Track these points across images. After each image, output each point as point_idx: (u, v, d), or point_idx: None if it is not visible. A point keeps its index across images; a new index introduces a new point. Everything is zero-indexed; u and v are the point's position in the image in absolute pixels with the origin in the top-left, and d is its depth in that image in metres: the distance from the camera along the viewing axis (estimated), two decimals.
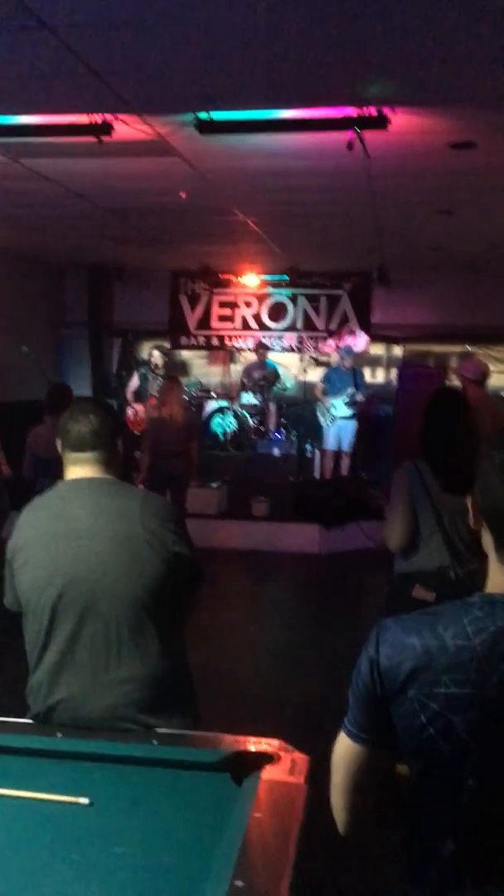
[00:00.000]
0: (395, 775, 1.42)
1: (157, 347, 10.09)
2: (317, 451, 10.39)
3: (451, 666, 1.27)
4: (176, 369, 11.30)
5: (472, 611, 1.31)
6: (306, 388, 10.52)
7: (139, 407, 9.59)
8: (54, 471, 5.49)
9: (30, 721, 2.23)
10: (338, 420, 9.74)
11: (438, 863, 1.32)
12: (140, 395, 9.68)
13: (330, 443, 9.89)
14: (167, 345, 11.36)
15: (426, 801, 1.34)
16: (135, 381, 9.90)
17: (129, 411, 9.72)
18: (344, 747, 1.41)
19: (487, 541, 1.37)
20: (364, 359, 11.65)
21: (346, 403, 9.65)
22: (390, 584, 3.51)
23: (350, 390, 9.62)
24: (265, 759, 1.88)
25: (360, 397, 9.64)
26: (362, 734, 1.37)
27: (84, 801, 1.77)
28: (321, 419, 9.93)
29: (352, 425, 9.79)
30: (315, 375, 10.41)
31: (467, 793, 1.28)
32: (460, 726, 1.27)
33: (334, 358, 10.86)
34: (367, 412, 10.41)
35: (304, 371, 10.57)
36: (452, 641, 1.28)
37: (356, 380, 9.72)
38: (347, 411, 9.69)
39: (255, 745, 1.95)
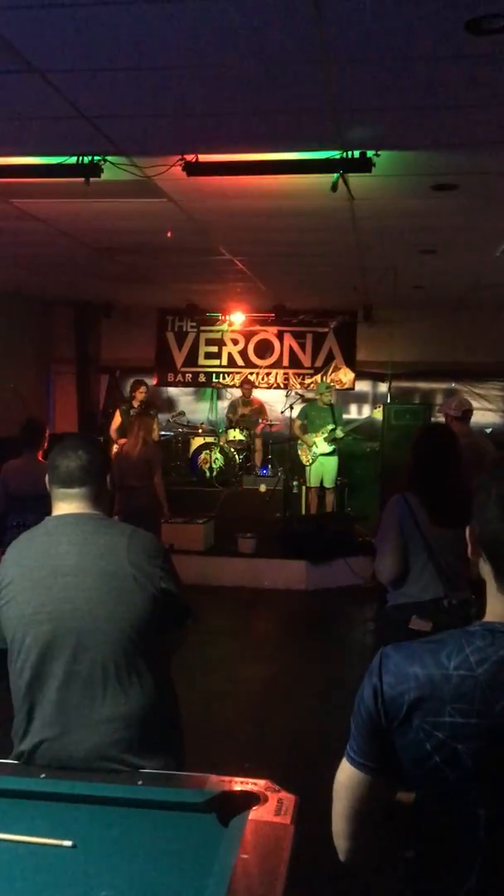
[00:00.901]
0: (398, 803, 1.42)
1: (138, 383, 10.10)
2: (303, 488, 10.40)
3: (455, 696, 1.28)
4: (162, 406, 11.34)
5: (474, 640, 1.32)
6: (292, 424, 10.58)
7: (122, 443, 9.58)
8: (26, 507, 5.48)
9: (13, 761, 2.20)
10: (319, 457, 9.76)
11: None
12: (123, 432, 9.68)
13: (312, 479, 9.90)
14: (150, 381, 11.40)
15: (439, 836, 1.34)
16: (118, 419, 9.91)
17: (115, 448, 9.72)
18: (346, 775, 1.40)
19: (486, 571, 1.39)
20: (350, 395, 11.75)
21: (325, 440, 9.68)
22: (384, 614, 3.54)
23: (329, 426, 9.66)
24: (252, 799, 1.86)
25: (339, 433, 9.68)
26: (366, 761, 1.37)
27: (67, 843, 1.73)
28: (301, 457, 9.96)
29: (334, 462, 9.81)
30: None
31: (482, 826, 1.28)
32: (466, 754, 1.27)
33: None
34: (351, 448, 10.46)
35: (290, 407, 10.62)
36: (455, 671, 1.30)
37: (334, 415, 9.76)
38: (328, 447, 9.71)
39: (241, 785, 1.93)
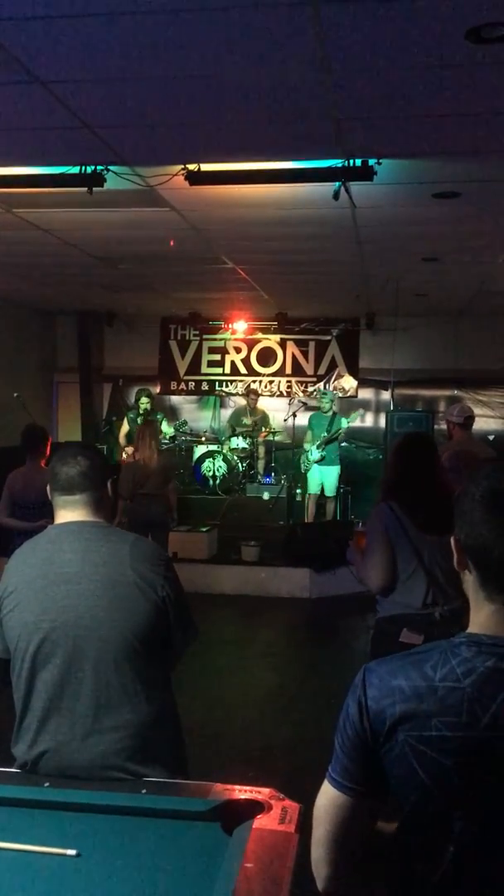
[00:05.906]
0: (379, 831, 1.38)
1: (142, 391, 10.15)
2: (306, 495, 10.41)
3: (441, 708, 1.26)
4: (165, 413, 11.37)
5: (460, 651, 1.29)
6: (295, 432, 10.58)
7: (130, 450, 9.61)
8: (30, 514, 5.49)
9: (16, 770, 2.20)
10: (315, 464, 9.76)
11: None
12: (131, 439, 9.72)
13: (312, 487, 9.90)
14: (154, 389, 11.43)
15: (419, 856, 1.30)
16: (125, 426, 9.97)
17: (124, 455, 9.74)
18: (328, 799, 1.35)
19: (470, 580, 1.35)
20: (353, 403, 11.76)
21: (316, 447, 9.70)
22: (377, 626, 3.49)
23: (323, 435, 9.69)
24: (256, 807, 1.85)
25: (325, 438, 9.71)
26: (349, 784, 1.33)
27: (71, 852, 1.73)
28: (302, 465, 9.97)
29: (334, 471, 9.80)
30: (304, 419, 10.51)
31: (457, 841, 1.25)
32: (453, 771, 1.24)
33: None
34: (354, 455, 10.47)
35: (294, 415, 10.63)
36: (442, 683, 1.27)
37: (331, 424, 9.77)
38: (318, 455, 9.74)
39: (245, 793, 1.92)
